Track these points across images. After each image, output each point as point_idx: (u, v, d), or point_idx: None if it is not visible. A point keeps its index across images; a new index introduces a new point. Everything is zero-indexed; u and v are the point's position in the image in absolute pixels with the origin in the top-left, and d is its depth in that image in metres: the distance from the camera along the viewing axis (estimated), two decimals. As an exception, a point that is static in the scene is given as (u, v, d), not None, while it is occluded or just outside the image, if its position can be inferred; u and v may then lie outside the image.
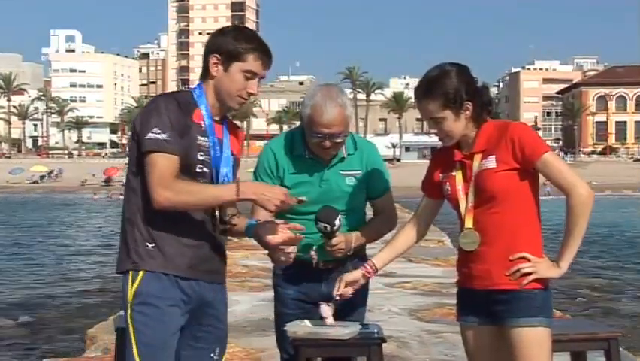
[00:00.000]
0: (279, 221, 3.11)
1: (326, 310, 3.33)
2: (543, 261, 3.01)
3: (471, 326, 3.13)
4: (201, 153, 2.94)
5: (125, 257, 2.95)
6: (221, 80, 3.00)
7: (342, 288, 3.24)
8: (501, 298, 3.00)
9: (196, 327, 3.02)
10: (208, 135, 2.98)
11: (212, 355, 3.06)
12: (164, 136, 2.86)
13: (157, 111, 2.90)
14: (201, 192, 2.88)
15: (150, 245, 2.91)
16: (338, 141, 3.41)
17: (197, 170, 2.93)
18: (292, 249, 3.12)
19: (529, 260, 2.98)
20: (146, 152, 2.87)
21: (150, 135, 2.86)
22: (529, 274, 2.97)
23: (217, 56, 2.99)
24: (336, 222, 3.33)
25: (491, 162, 3.00)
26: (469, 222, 3.05)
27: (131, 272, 2.92)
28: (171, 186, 2.83)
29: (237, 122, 3.53)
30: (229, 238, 3.20)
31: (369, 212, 3.68)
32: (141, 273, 2.90)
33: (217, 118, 3.04)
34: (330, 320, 3.31)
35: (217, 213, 3.03)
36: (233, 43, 2.97)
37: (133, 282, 2.90)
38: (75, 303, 13.09)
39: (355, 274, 3.27)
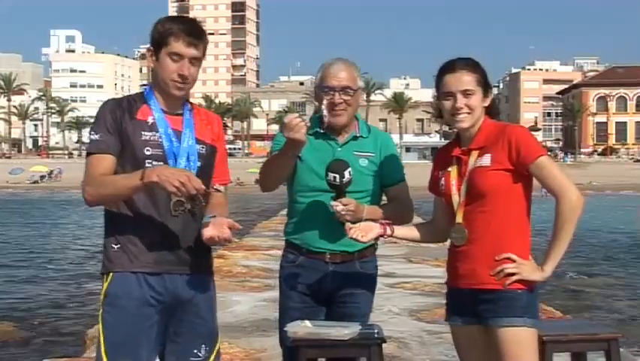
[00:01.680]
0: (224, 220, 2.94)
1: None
2: (528, 263, 3.02)
3: (459, 325, 3.14)
4: (148, 149, 2.95)
5: (102, 261, 3.06)
6: (156, 70, 3.01)
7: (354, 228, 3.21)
8: (486, 298, 3.01)
9: (176, 323, 3.04)
10: (157, 129, 2.97)
11: (195, 351, 3.05)
12: (96, 137, 2.94)
13: (96, 116, 2.99)
14: (113, 183, 2.91)
15: (116, 246, 2.99)
16: (348, 97, 3.47)
17: (147, 165, 2.93)
18: (307, 120, 3.14)
19: (514, 261, 3.00)
20: (86, 155, 2.98)
21: (88, 139, 2.97)
22: (513, 274, 2.98)
23: (150, 48, 3.00)
24: (346, 173, 3.30)
25: (486, 160, 3.03)
26: (459, 218, 3.07)
27: (104, 275, 3.02)
28: (93, 182, 2.92)
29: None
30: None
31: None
32: (111, 275, 2.99)
33: (170, 110, 3.02)
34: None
35: (172, 201, 2.96)
36: (157, 31, 2.97)
37: (105, 283, 3.00)
38: (75, 303, 13.08)
39: (371, 223, 3.26)
